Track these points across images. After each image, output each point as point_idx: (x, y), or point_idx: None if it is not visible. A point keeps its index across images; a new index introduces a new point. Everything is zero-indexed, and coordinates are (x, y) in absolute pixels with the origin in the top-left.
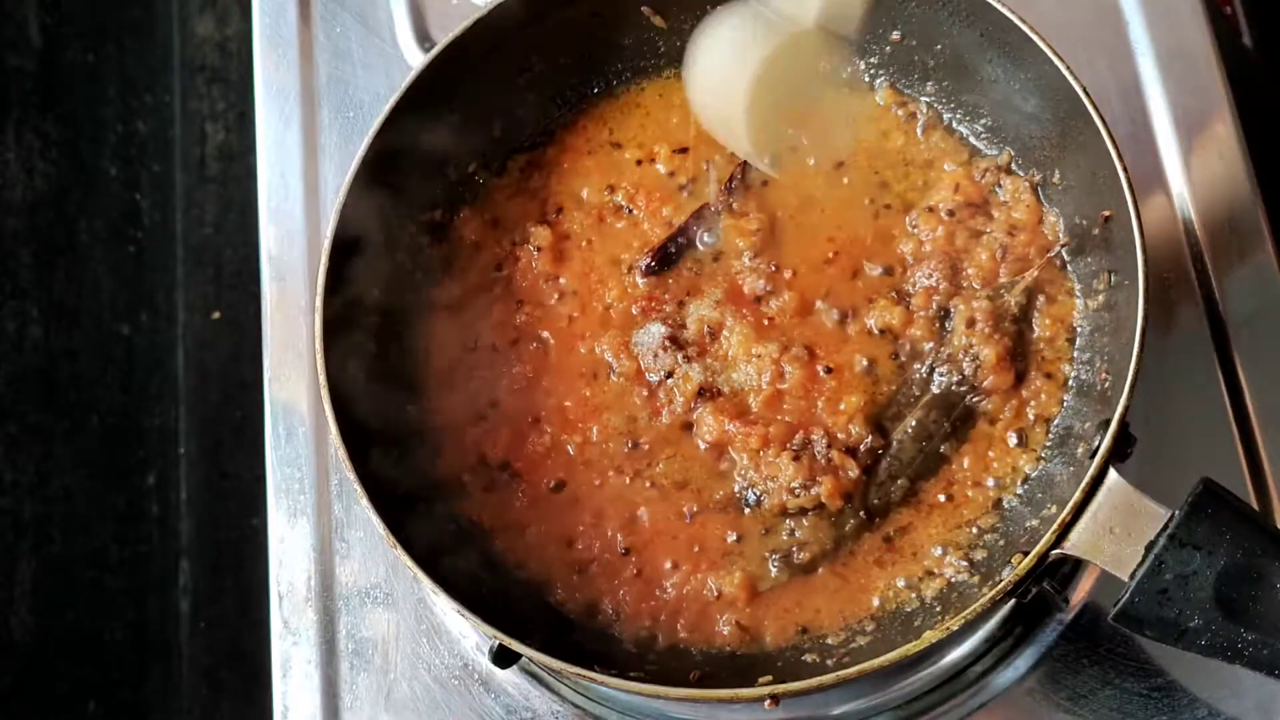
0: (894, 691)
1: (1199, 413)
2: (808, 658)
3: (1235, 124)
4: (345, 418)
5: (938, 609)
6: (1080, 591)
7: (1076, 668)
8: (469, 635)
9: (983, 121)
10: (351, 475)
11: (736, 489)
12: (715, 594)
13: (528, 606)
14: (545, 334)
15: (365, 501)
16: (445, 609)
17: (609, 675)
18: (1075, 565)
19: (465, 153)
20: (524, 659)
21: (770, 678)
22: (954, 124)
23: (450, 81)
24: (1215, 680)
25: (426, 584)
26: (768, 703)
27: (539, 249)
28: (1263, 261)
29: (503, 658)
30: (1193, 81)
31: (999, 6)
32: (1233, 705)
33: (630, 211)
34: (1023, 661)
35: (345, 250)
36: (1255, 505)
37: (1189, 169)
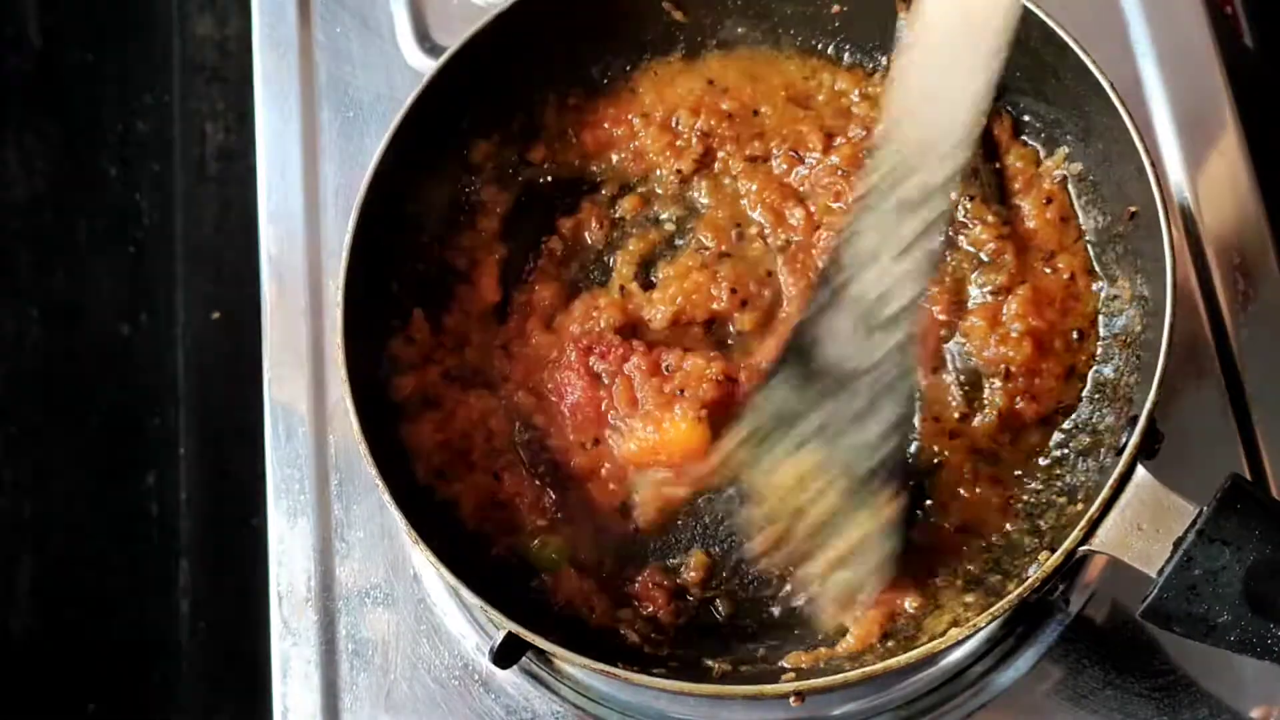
0: (895, 691)
1: (1199, 412)
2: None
3: (1235, 124)
4: (366, 417)
5: (962, 606)
6: (1081, 591)
7: (1077, 667)
8: (469, 635)
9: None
10: (373, 470)
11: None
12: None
13: (542, 602)
14: (568, 328)
15: (387, 497)
16: (446, 610)
17: (632, 671)
18: (1077, 565)
19: (484, 151)
20: (524, 659)
21: (794, 675)
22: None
23: (468, 79)
24: (1217, 680)
25: (449, 579)
26: (793, 699)
27: (553, 250)
28: (1263, 260)
29: (503, 658)
30: (1193, 81)
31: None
32: (1235, 704)
33: (650, 203)
34: (1023, 661)
35: (363, 256)
36: None
37: (1190, 169)
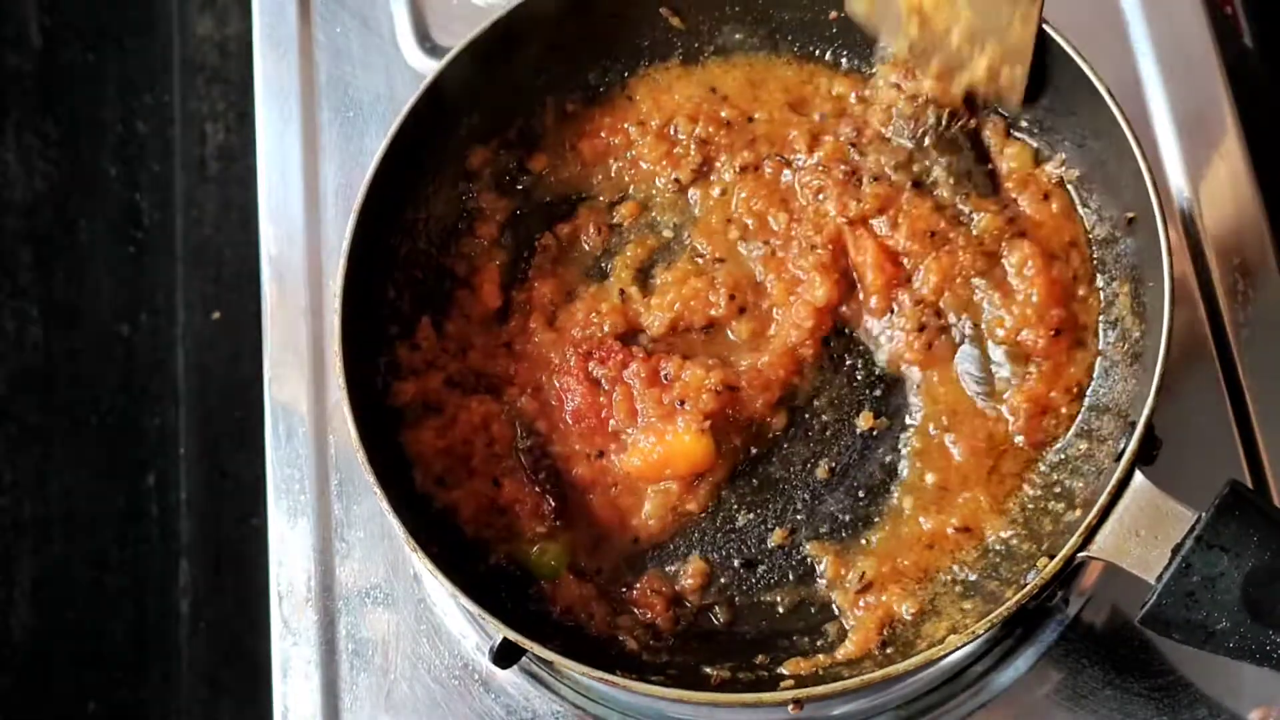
0: (895, 692)
1: (1199, 414)
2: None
3: (1235, 124)
4: (364, 424)
5: (960, 613)
6: (1081, 594)
7: (1076, 668)
8: (469, 635)
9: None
10: (371, 478)
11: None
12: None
13: (541, 609)
14: (569, 330)
15: (385, 504)
16: (446, 609)
17: (630, 679)
18: (1075, 569)
19: (483, 157)
20: (524, 659)
21: (793, 682)
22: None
23: (466, 85)
24: (1216, 680)
25: (447, 587)
26: (791, 707)
27: (548, 246)
28: (1263, 261)
29: (503, 658)
30: (1193, 81)
31: None
32: (1233, 705)
33: (648, 209)
34: (1023, 661)
35: (361, 263)
36: None
37: (1189, 169)
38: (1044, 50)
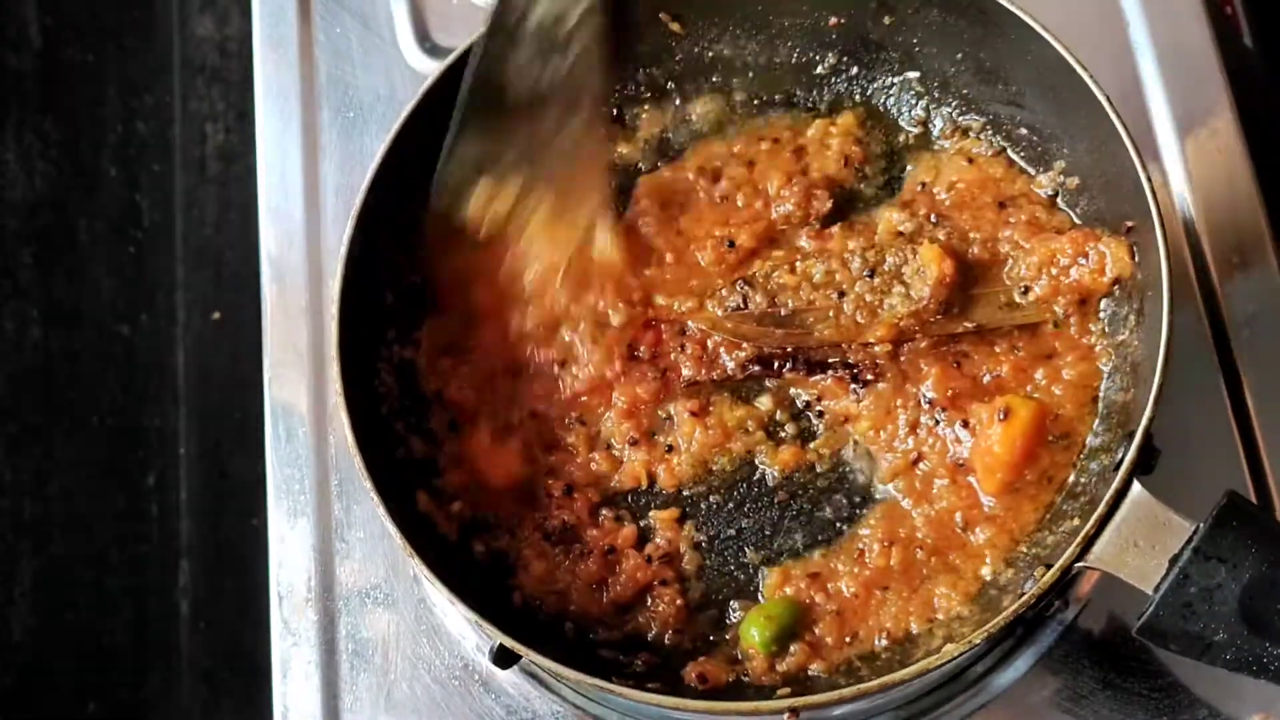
0: (895, 692)
1: (1199, 417)
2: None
3: (1235, 124)
4: (361, 429)
5: (957, 621)
6: (1080, 595)
7: (1076, 668)
8: (469, 636)
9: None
10: (368, 484)
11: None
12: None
13: (541, 614)
14: (563, 357)
15: (382, 510)
16: (446, 610)
17: (627, 686)
18: (1074, 576)
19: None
20: (524, 660)
21: (789, 690)
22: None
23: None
24: (1215, 681)
25: (444, 593)
26: (786, 715)
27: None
28: (1264, 262)
29: (503, 658)
30: (1193, 81)
31: (1010, 7)
32: (1232, 706)
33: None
34: (1023, 662)
35: (360, 261)
36: None
37: (1189, 169)
38: (1043, 56)
